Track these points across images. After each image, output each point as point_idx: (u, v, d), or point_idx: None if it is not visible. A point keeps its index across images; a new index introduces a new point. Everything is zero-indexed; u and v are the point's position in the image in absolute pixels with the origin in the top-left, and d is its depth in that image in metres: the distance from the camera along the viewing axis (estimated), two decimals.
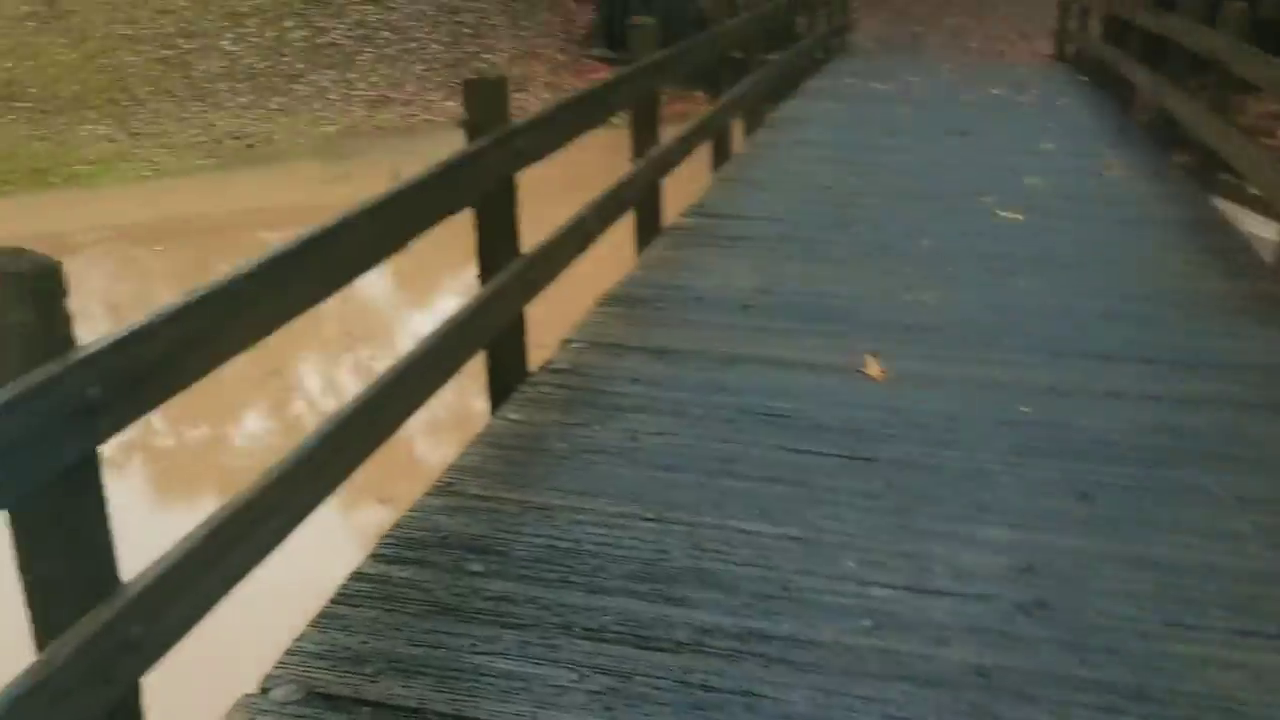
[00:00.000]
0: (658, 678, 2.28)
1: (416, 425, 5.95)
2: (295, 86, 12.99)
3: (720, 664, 2.32)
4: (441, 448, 3.18)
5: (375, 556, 2.72)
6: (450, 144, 3.45)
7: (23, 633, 1.81)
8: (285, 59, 13.43)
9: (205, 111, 12.09)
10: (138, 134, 11.42)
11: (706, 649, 2.37)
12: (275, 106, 12.44)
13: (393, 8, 14.64)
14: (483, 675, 2.28)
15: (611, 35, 13.50)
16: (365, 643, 2.38)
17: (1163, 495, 3.03)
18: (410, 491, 3.09)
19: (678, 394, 3.65)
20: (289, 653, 2.36)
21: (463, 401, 5.31)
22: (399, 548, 2.76)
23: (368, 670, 2.29)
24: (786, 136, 7.89)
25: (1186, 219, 5.78)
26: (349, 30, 14.29)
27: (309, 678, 2.27)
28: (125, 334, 1.87)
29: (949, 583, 2.63)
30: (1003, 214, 5.70)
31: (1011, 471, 3.15)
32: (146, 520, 4.40)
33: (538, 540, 2.78)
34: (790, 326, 4.25)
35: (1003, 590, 2.60)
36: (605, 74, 9.86)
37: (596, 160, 6.34)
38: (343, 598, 2.55)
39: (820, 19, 11.33)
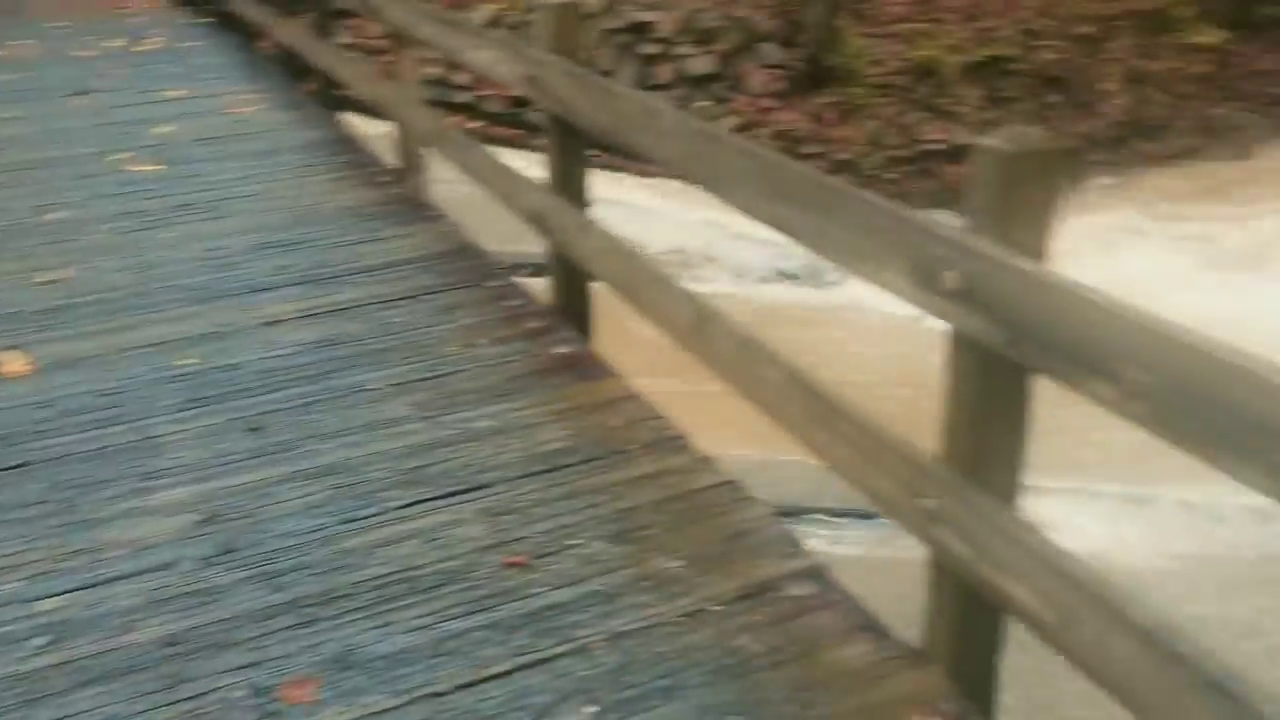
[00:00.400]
0: None
1: None
2: None
3: None
4: None
5: None
6: None
7: None
8: None
9: None
10: None
11: None
12: None
13: None
14: None
15: None
16: None
17: (329, 404, 3.16)
18: None
19: None
20: None
21: None
22: None
23: None
24: None
25: (320, 141, 6.03)
26: None
27: None
28: None
29: (130, 565, 2.47)
30: (137, 169, 5.42)
31: (182, 428, 3.05)
32: None
33: None
34: None
35: (187, 551, 2.51)
36: None
37: None
38: None
39: None
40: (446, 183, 5.47)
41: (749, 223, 8.09)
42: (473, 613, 2.28)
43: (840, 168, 9.51)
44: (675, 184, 9.30)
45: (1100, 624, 1.71)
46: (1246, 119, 10.45)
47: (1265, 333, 6.91)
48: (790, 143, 9.52)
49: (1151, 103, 10.31)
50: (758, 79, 9.71)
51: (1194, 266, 7.97)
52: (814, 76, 9.72)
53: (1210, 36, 10.51)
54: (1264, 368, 1.46)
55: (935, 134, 9.70)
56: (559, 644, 2.19)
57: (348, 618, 2.27)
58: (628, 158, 9.53)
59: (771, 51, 9.78)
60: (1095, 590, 1.73)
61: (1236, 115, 10.45)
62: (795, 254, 8.59)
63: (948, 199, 9.48)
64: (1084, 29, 10.58)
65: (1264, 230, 8.40)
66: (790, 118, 9.60)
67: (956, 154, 9.70)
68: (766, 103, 9.63)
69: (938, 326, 2.03)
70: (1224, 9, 10.81)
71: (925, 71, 9.90)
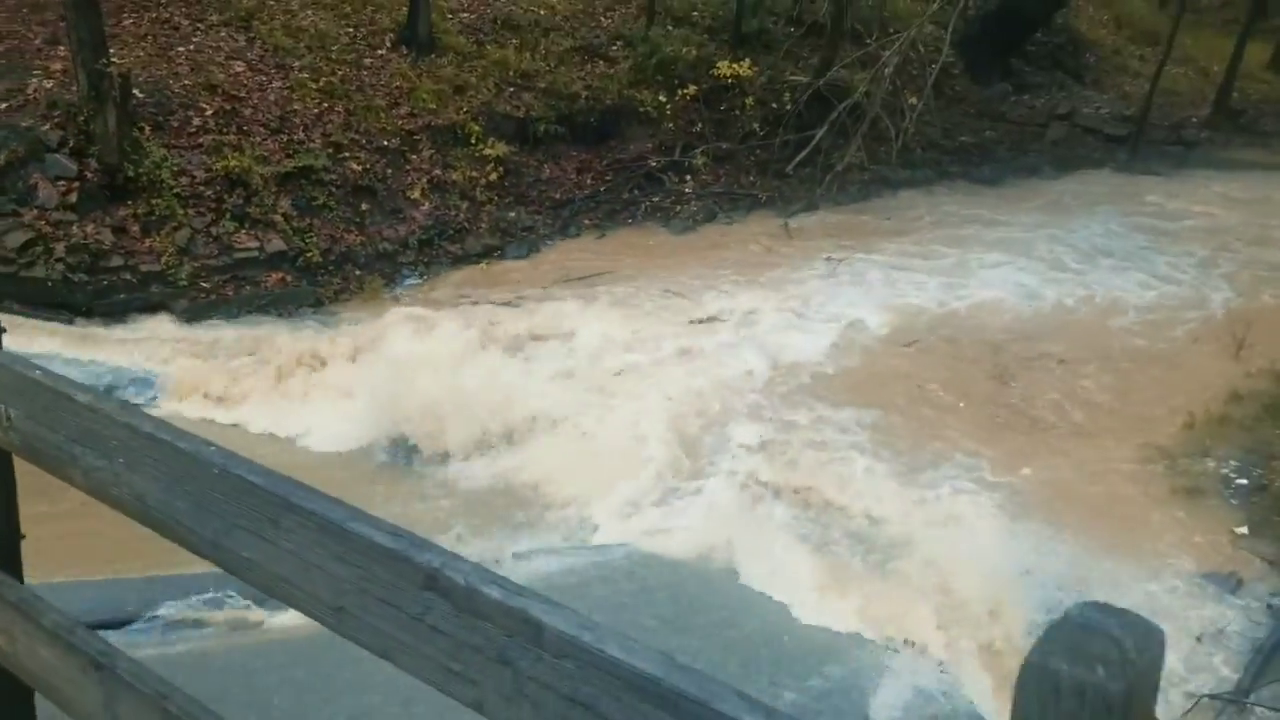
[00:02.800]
0: None
1: None
2: None
3: None
4: None
5: None
6: None
7: None
8: None
9: None
10: None
11: None
12: None
13: None
14: None
15: None
16: None
17: None
18: None
19: None
20: None
21: None
22: None
23: None
24: None
25: None
26: None
27: None
28: None
29: None
30: None
31: None
32: None
33: None
34: None
35: None
36: None
37: None
38: None
39: None
40: None
41: (34, 339, 7.43)
42: None
43: (149, 279, 9.27)
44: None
45: (28, 635, 1.84)
46: (535, 220, 12.02)
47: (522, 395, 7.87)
48: (92, 256, 9.09)
49: (453, 208, 11.44)
50: (48, 191, 9.15)
51: (486, 344, 8.91)
52: (113, 188, 9.40)
53: (498, 149, 11.96)
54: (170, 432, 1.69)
55: (248, 242, 9.85)
56: None
57: None
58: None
59: (61, 163, 9.30)
60: (24, 608, 1.86)
61: (527, 217, 11.97)
62: (87, 370, 8.19)
63: (266, 304, 9.67)
64: (388, 142, 11.48)
65: (540, 312, 9.68)
66: (89, 230, 9.17)
67: (272, 261, 9.95)
68: (60, 215, 9.11)
69: None
70: (507, 127, 12.39)
71: (235, 182, 10.05)
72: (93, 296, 8.96)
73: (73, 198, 9.20)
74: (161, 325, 9.04)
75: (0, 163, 9.06)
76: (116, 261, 9.19)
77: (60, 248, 8.93)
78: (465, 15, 14.00)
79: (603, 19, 14.72)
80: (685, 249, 11.77)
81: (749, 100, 13.88)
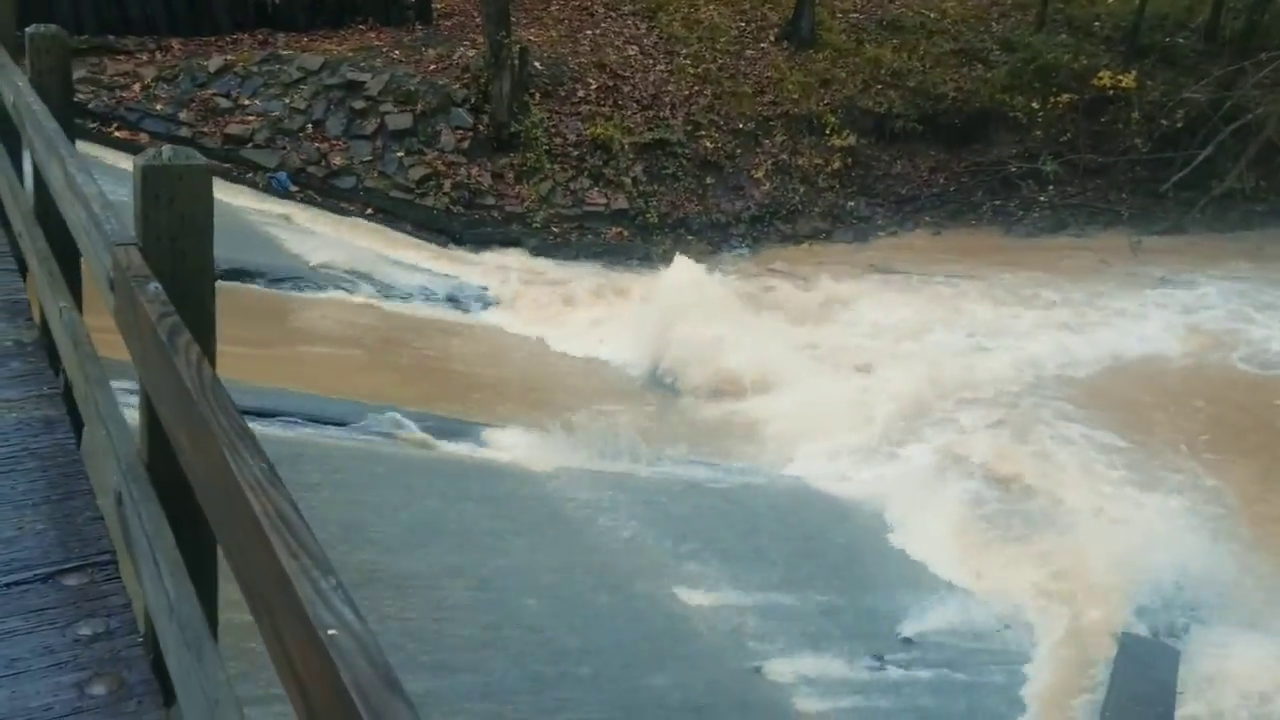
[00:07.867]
0: None
1: None
2: None
3: None
4: None
5: None
6: None
7: None
8: None
9: None
10: None
11: None
12: None
13: None
14: None
15: None
16: None
17: None
18: None
19: None
20: None
21: None
22: None
23: None
24: None
25: None
26: None
27: None
28: None
29: None
30: None
31: None
32: None
33: None
34: None
35: None
36: None
37: None
38: None
39: None
40: None
41: (410, 253, 9.43)
42: None
43: (511, 218, 11.02)
44: (362, 223, 10.65)
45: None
46: (874, 211, 12.47)
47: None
48: (471, 194, 10.98)
49: (792, 191, 12.21)
50: (448, 138, 11.18)
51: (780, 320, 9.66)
52: (498, 140, 11.25)
53: (848, 141, 12.54)
54: None
55: (598, 198, 11.32)
56: None
57: None
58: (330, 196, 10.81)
59: (463, 115, 11.30)
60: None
61: (865, 208, 12.45)
62: (442, 281, 9.98)
63: (601, 252, 11.07)
64: (744, 125, 12.49)
65: (841, 289, 10.23)
66: (473, 173, 11.08)
67: (615, 217, 11.35)
68: (454, 158, 11.10)
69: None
70: (865, 121, 12.91)
71: (598, 146, 11.56)
72: (465, 226, 10.84)
73: (465, 145, 11.16)
74: (512, 257, 10.71)
75: (418, 111, 11.22)
76: (489, 201, 11.03)
77: (448, 184, 10.90)
78: (854, 15, 14.65)
79: (994, 24, 14.69)
80: (1016, 253, 11.66)
81: (1134, 115, 13.24)
